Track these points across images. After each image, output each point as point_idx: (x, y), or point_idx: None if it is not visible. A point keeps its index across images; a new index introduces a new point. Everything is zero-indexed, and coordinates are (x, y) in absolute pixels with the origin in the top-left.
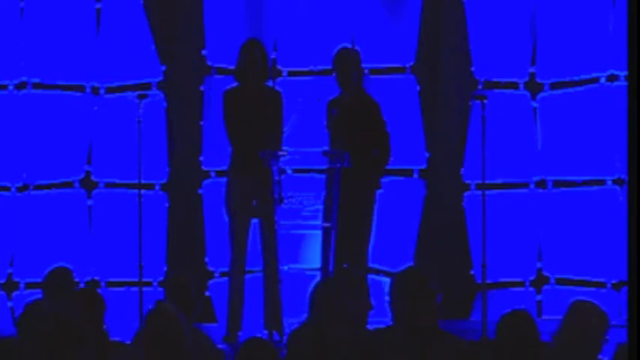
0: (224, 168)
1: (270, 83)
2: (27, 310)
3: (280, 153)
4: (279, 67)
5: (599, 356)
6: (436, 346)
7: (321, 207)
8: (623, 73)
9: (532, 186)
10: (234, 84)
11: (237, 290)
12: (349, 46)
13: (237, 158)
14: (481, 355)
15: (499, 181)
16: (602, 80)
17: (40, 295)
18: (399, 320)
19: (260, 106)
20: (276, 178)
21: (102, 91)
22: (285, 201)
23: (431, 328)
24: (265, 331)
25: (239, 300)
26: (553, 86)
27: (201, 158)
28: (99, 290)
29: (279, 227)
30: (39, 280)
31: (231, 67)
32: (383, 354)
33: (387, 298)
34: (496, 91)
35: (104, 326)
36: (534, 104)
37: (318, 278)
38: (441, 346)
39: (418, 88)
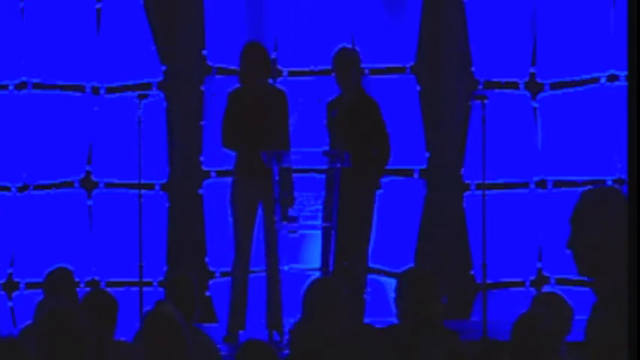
0: (224, 168)
1: (272, 83)
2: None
3: (281, 153)
4: (279, 67)
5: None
6: (437, 345)
7: (321, 207)
8: (623, 73)
9: (532, 186)
10: (238, 85)
11: (240, 290)
12: (349, 46)
13: (241, 159)
14: (478, 355)
15: (499, 181)
16: (602, 80)
17: (40, 296)
18: (403, 318)
19: (264, 106)
20: (277, 178)
21: (102, 91)
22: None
23: (436, 327)
24: (266, 331)
25: (243, 300)
26: (553, 86)
27: (202, 158)
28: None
29: (278, 227)
30: (39, 280)
31: (232, 67)
32: (382, 352)
33: (392, 295)
34: (496, 91)
35: (114, 327)
36: (534, 104)
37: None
38: (442, 345)
39: (418, 88)
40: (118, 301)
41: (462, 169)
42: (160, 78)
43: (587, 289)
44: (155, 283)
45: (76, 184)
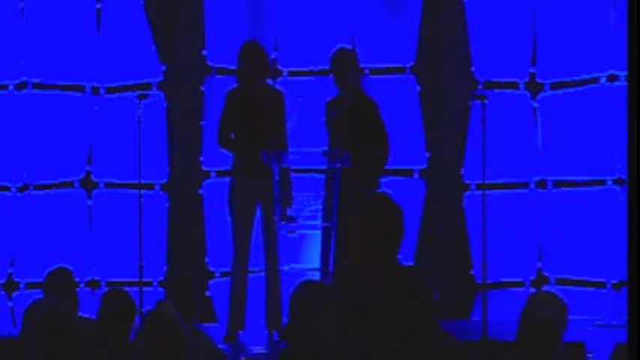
0: (224, 168)
1: (270, 82)
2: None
3: (281, 153)
4: (279, 67)
5: (594, 356)
6: (431, 346)
7: (320, 207)
8: (623, 73)
9: (532, 186)
10: (236, 85)
11: (240, 290)
12: (347, 46)
13: (240, 159)
14: (471, 356)
15: (499, 181)
16: (602, 80)
17: (40, 296)
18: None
19: (262, 106)
20: (276, 178)
21: (102, 91)
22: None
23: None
24: (266, 331)
25: (242, 300)
26: (553, 86)
27: (202, 158)
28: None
29: (278, 227)
30: (39, 280)
31: (232, 67)
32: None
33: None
34: (496, 91)
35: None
36: (534, 104)
37: (316, 278)
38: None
39: (418, 88)
40: (136, 304)
41: (462, 169)
42: (160, 78)
43: (586, 289)
44: (155, 283)
45: (76, 184)
